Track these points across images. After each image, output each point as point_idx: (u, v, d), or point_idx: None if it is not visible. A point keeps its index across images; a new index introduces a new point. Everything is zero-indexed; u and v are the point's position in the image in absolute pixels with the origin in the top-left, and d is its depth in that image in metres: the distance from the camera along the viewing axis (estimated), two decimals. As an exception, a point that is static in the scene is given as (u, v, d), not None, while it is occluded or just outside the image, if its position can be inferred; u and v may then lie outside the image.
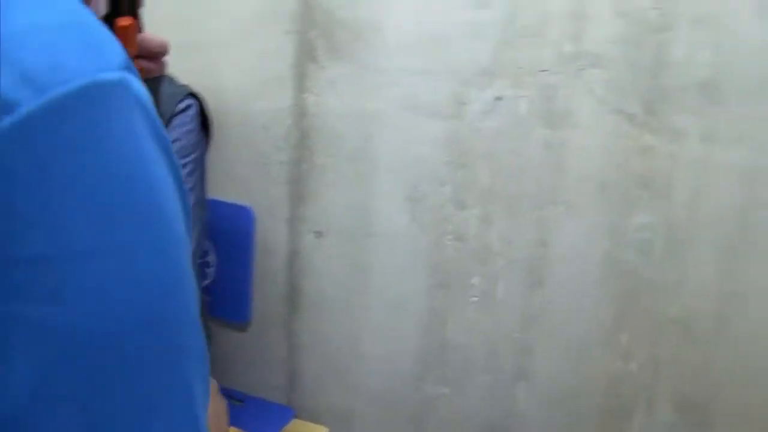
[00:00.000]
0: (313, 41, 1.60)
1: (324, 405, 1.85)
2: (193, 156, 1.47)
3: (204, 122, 1.54)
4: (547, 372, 1.64)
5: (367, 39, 1.58)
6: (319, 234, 1.71)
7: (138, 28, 0.56)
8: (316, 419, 1.84)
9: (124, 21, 0.53)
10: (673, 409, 1.61)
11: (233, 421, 1.37)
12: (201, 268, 1.76)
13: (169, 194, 0.34)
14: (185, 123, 1.46)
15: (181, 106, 1.46)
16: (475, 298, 1.62)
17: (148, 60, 0.60)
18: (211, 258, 1.78)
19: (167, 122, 1.42)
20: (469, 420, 1.69)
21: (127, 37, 0.53)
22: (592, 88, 1.51)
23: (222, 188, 1.79)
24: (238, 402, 1.82)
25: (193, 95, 1.51)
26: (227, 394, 1.59)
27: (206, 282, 1.79)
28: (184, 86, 1.51)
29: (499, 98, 1.54)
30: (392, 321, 1.67)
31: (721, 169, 1.50)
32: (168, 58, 0.65)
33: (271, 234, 1.80)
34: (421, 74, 1.56)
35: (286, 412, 1.82)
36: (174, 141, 1.42)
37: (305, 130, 1.64)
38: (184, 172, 1.43)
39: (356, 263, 1.67)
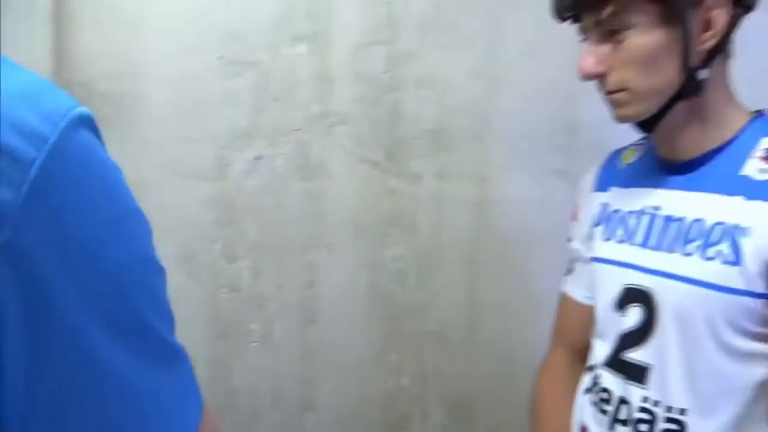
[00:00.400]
0: (72, 115, 1.63)
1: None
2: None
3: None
4: (330, 400, 1.79)
5: (129, 110, 1.64)
6: (96, 301, 1.73)
7: None
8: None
9: None
10: (443, 412, 1.83)
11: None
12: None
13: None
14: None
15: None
16: (255, 343, 1.72)
17: None
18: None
19: None
20: (263, 457, 1.78)
21: None
22: (341, 142, 1.70)
23: None
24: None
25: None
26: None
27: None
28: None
29: (258, 158, 1.67)
30: (178, 376, 1.73)
31: (453, 202, 1.75)
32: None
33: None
34: (184, 140, 1.65)
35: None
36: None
37: (72, 201, 1.66)
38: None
39: (137, 325, 1.70)
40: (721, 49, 0.87)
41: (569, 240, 1.12)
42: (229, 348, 1.72)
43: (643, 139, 1.02)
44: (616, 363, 0.95)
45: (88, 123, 0.43)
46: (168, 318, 0.46)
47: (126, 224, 0.44)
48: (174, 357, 0.47)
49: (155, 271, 0.46)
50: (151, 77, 1.64)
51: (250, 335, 1.71)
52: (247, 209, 1.69)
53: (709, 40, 0.84)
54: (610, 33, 0.85)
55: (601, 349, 0.99)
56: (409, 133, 1.72)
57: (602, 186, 1.05)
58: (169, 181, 1.66)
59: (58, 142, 0.39)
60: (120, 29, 1.60)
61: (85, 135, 0.42)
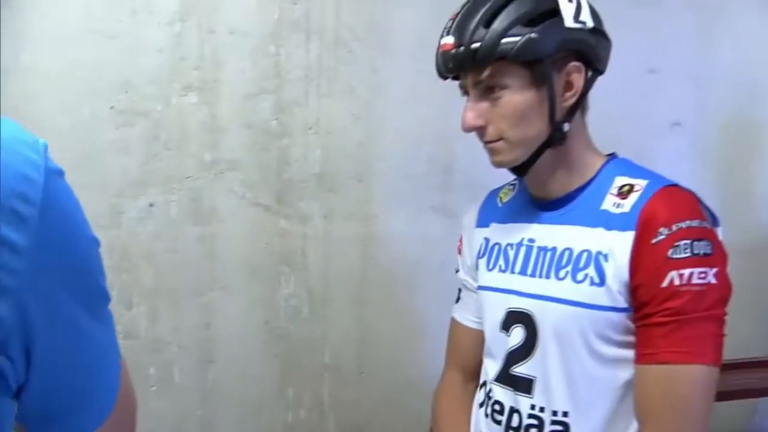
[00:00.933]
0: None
1: None
2: None
3: None
4: (230, 437, 1.83)
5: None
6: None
7: None
8: None
9: None
10: (340, 441, 1.92)
11: None
12: None
13: None
14: None
15: None
16: (154, 387, 1.75)
17: None
18: None
19: None
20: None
21: None
22: (232, 188, 1.77)
23: None
24: None
25: None
26: None
27: None
28: None
29: (152, 205, 1.72)
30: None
31: (341, 240, 1.87)
32: None
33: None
34: (77, 189, 1.64)
35: None
36: None
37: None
38: None
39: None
40: (579, 106, 1.03)
41: (456, 271, 1.24)
42: (128, 393, 1.72)
43: (516, 179, 1.17)
44: (506, 378, 1.07)
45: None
46: (104, 273, 0.60)
47: (82, 213, 0.57)
48: (107, 308, 0.60)
49: (98, 244, 0.59)
50: (44, 128, 1.62)
51: (148, 380, 1.73)
52: (142, 255, 1.72)
53: (570, 99, 1.00)
54: (488, 91, 0.99)
55: (491, 367, 1.11)
56: (296, 176, 1.82)
57: (483, 222, 1.18)
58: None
59: (46, 165, 0.51)
60: (10, 81, 1.60)
61: (63, 178, 0.55)
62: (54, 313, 0.52)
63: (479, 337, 1.16)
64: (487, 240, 1.15)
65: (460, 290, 1.23)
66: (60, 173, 0.53)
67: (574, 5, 0.98)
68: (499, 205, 1.17)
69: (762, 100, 2.21)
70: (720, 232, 0.97)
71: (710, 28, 2.15)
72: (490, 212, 1.18)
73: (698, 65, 2.14)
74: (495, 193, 1.20)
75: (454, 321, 1.24)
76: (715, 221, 0.98)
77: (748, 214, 2.23)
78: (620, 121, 1.96)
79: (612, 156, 1.08)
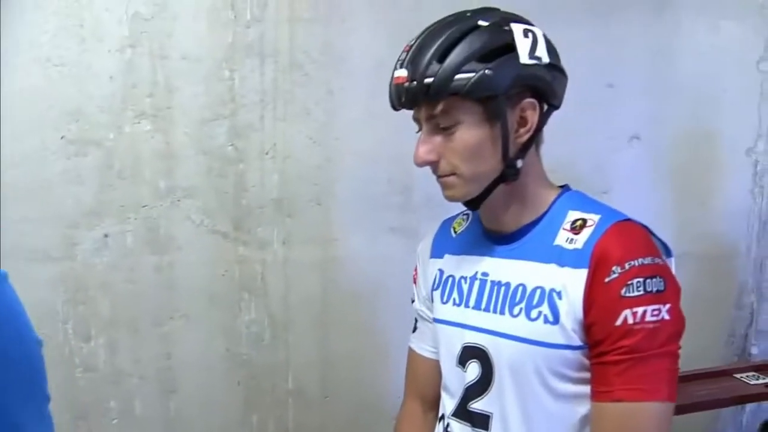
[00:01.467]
0: None
1: None
2: None
3: None
4: (193, 469, 1.81)
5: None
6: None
7: None
8: None
9: None
10: (305, 465, 1.90)
11: None
12: None
13: None
14: None
15: None
16: (116, 420, 1.72)
17: None
18: None
19: None
20: None
21: None
22: (189, 215, 1.75)
23: None
24: None
25: None
26: None
27: None
28: None
29: (107, 235, 1.69)
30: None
31: (301, 265, 1.85)
32: None
33: None
34: (27, 222, 1.62)
35: None
36: None
37: None
38: None
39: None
40: (534, 141, 1.02)
41: (412, 301, 1.24)
42: (88, 428, 1.70)
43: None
44: (463, 413, 1.06)
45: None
46: (46, 375, 0.61)
47: (26, 314, 0.58)
48: (48, 407, 0.61)
49: (41, 345, 0.61)
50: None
51: (109, 413, 1.71)
52: (98, 287, 1.69)
53: (524, 135, 0.99)
54: (441, 126, 0.98)
55: (449, 402, 1.10)
56: (255, 202, 1.80)
57: (437, 253, 1.17)
58: (12, 265, 1.63)
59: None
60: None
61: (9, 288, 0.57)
62: (4, 424, 0.52)
63: (437, 366, 1.15)
64: (441, 271, 1.14)
65: (416, 320, 1.23)
66: (4, 277, 0.52)
67: (530, 40, 0.96)
68: (453, 235, 1.16)
69: (717, 114, 2.24)
70: (672, 263, 0.97)
71: (666, 44, 2.17)
72: (445, 243, 1.17)
73: (655, 80, 2.16)
74: (448, 222, 1.19)
75: (411, 351, 1.23)
76: (667, 252, 0.98)
77: (704, 224, 2.26)
78: (579, 135, 1.97)
79: (565, 188, 1.08)
